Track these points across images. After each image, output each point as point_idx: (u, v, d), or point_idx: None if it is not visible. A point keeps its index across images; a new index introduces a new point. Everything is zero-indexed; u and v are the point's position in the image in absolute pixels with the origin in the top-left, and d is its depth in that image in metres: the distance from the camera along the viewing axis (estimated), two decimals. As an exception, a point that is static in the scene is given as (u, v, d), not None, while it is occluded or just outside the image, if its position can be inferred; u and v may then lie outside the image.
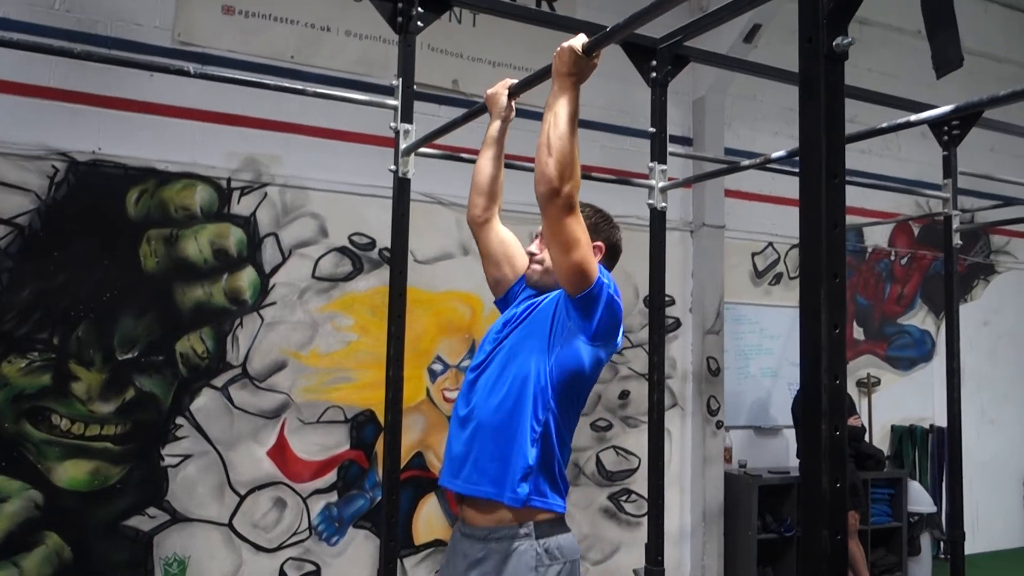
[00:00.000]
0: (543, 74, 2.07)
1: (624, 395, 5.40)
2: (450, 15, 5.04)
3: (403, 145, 2.86)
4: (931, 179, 5.50)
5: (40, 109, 4.00)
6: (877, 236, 6.71)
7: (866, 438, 6.02)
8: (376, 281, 4.67)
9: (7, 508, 3.84)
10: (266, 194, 4.46)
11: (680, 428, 5.60)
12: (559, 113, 1.83)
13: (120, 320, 4.11)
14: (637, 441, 5.32)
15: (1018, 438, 7.20)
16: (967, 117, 4.16)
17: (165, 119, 4.25)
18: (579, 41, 1.87)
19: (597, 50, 1.90)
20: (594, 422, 5.30)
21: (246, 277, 4.40)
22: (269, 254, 4.46)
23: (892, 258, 6.76)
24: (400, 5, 2.92)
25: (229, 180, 4.38)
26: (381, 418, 4.64)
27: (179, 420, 4.21)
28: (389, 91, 2.89)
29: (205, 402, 4.27)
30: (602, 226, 2.13)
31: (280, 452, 4.42)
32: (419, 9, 2.94)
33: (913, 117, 2.89)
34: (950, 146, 4.30)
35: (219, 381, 4.30)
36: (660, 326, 3.37)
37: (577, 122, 1.83)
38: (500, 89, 2.26)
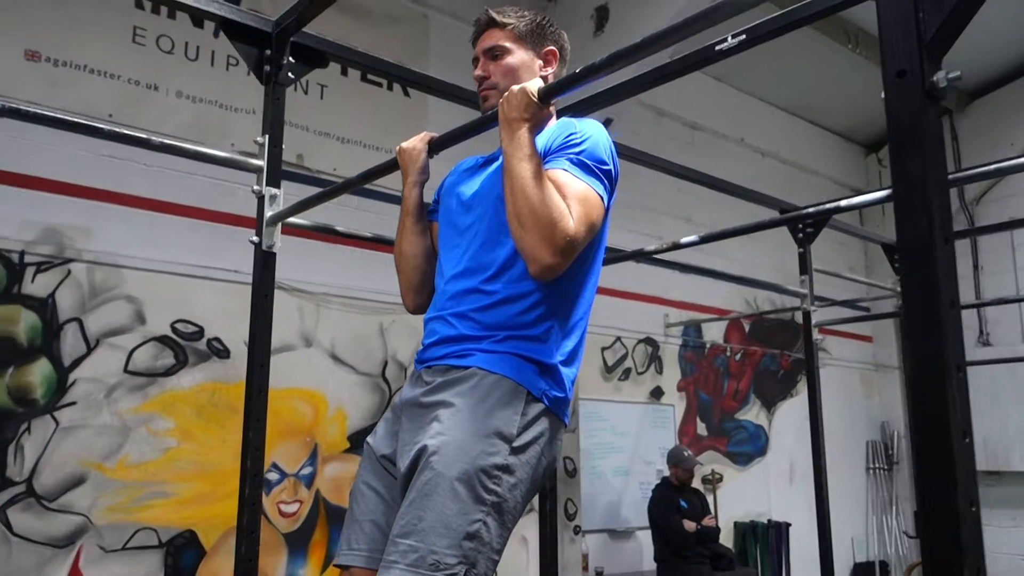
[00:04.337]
0: (485, 120, 1.72)
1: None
2: (296, 85, 4.61)
3: (269, 213, 2.39)
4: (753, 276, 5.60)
5: None
6: (713, 332, 6.82)
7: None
8: (203, 376, 4.01)
9: None
10: (69, 272, 3.73)
11: (536, 534, 5.20)
12: (518, 172, 1.49)
13: None
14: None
15: (843, 528, 7.43)
16: (820, 219, 4.29)
17: (-58, 178, 3.47)
18: (535, 85, 1.56)
19: (553, 98, 1.59)
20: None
21: (38, 371, 3.60)
22: (70, 344, 3.69)
23: (728, 354, 6.88)
24: (268, 53, 2.49)
25: (22, 254, 3.62)
26: (204, 540, 3.89)
27: (-66, 556, 3.28)
28: (228, 161, 2.43)
29: (-27, 530, 3.37)
30: (549, 30, 1.82)
31: (72, 590, 3.55)
32: (290, 59, 2.52)
33: (782, 216, 2.86)
34: (805, 243, 4.40)
35: (-6, 503, 3.43)
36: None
37: (541, 172, 1.49)
38: (419, 144, 1.87)
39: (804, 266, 4.37)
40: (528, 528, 5.16)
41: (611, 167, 1.61)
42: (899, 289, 4.90)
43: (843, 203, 3.11)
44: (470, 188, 1.73)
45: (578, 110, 1.87)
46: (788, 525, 6.57)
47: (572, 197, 1.51)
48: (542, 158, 1.57)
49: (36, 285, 3.64)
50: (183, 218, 4.03)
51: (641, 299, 6.23)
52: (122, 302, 3.86)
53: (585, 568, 5.32)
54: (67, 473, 3.61)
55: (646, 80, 1.70)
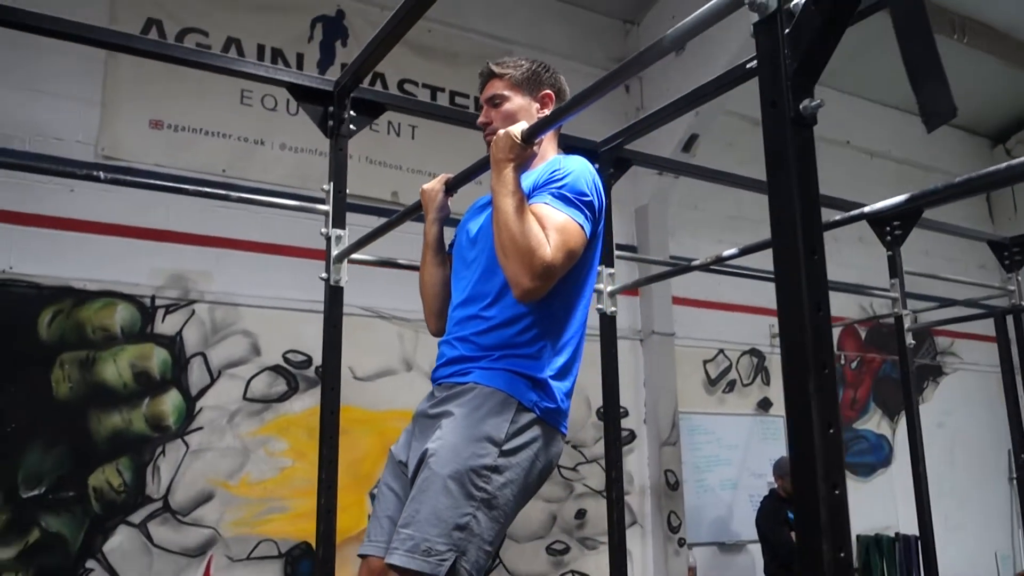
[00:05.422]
0: (482, 164, 1.94)
1: (580, 514, 5.09)
2: (388, 127, 4.99)
3: (335, 252, 2.68)
4: (871, 283, 5.51)
5: (-54, 227, 3.74)
6: (825, 340, 6.66)
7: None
8: (312, 401, 4.38)
9: None
10: (194, 311, 4.21)
11: (641, 548, 5.29)
12: (503, 207, 1.68)
13: (26, 453, 3.73)
14: (597, 565, 4.99)
15: (984, 544, 7.02)
16: (908, 216, 4.18)
17: (85, 235, 4.02)
18: (518, 128, 1.75)
19: (536, 138, 1.78)
20: (550, 545, 4.96)
21: (170, 401, 4.08)
22: (196, 375, 4.16)
23: (842, 362, 6.70)
24: (331, 109, 2.79)
25: (153, 298, 4.13)
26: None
27: (90, 563, 3.77)
28: (322, 200, 2.73)
29: (120, 541, 3.85)
30: (545, 75, 2.00)
31: (205, 595, 3.98)
32: (351, 113, 2.81)
33: (866, 209, 2.84)
34: (894, 245, 4.30)
35: (136, 517, 3.90)
36: (616, 439, 3.16)
37: (524, 207, 1.68)
38: (437, 185, 2.10)
39: (894, 269, 4.26)
40: (632, 540, 5.24)
41: (592, 198, 1.77)
42: (1011, 288, 4.70)
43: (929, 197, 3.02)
44: (476, 224, 1.93)
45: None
46: (918, 538, 6.28)
47: (551, 227, 1.69)
48: (530, 193, 1.76)
49: (166, 325, 4.14)
50: (290, 258, 4.43)
51: (745, 310, 6.19)
52: (240, 336, 4.31)
53: (693, 581, 5.34)
54: (197, 490, 4.06)
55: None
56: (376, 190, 4.76)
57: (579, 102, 1.72)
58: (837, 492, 1.05)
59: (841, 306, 6.65)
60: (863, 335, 6.89)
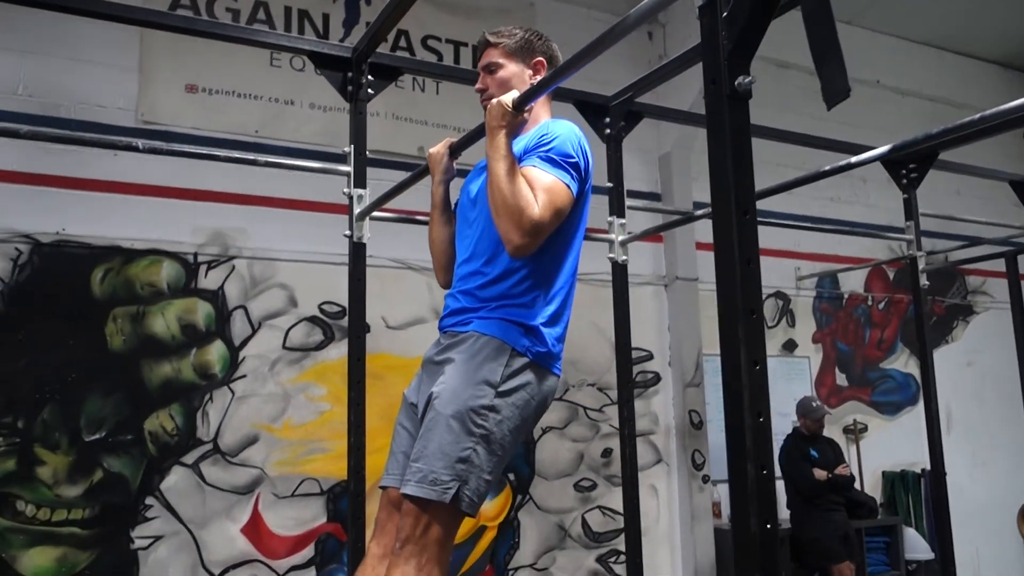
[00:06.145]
0: (481, 130, 2.09)
1: (607, 453, 5.32)
2: (412, 84, 5.13)
3: (356, 210, 2.87)
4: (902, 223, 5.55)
5: (3, 193, 4.01)
6: (853, 282, 6.73)
7: (856, 485, 5.92)
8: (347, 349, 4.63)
9: (-31, 602, 3.72)
10: (234, 267, 4.46)
11: (667, 484, 5.51)
12: (495, 170, 1.85)
13: (87, 400, 4.05)
14: (622, 500, 5.21)
15: (1013, 479, 7.11)
16: (924, 159, 4.23)
17: (130, 197, 4.27)
18: (509, 97, 1.91)
19: (526, 105, 1.93)
20: (578, 482, 5.21)
21: (215, 351, 4.36)
22: (238, 327, 4.43)
23: (869, 303, 6.76)
24: (350, 74, 2.96)
25: (196, 255, 4.38)
26: (357, 489, 4.54)
27: (149, 500, 4.12)
28: (321, 169, 2.93)
29: (175, 480, 4.18)
30: (537, 43, 2.16)
31: (254, 528, 4.31)
32: (369, 77, 2.97)
33: (853, 159, 2.93)
34: (909, 188, 4.35)
35: (189, 458, 4.22)
36: (629, 380, 3.36)
37: (515, 169, 1.84)
38: (442, 149, 2.27)
39: (909, 211, 4.32)
40: (657, 477, 5.47)
41: (578, 159, 1.93)
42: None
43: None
44: (475, 186, 2.10)
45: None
46: (944, 475, 6.40)
47: (539, 188, 1.85)
48: (521, 156, 1.93)
49: (208, 280, 4.40)
50: (321, 214, 4.63)
51: (770, 254, 6.27)
52: (277, 289, 4.56)
53: (717, 515, 5.56)
54: (243, 434, 4.36)
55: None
56: (402, 145, 4.93)
57: (564, 70, 1.87)
58: (761, 419, 1.23)
59: (869, 247, 6.69)
60: (892, 276, 6.92)
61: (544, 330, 1.93)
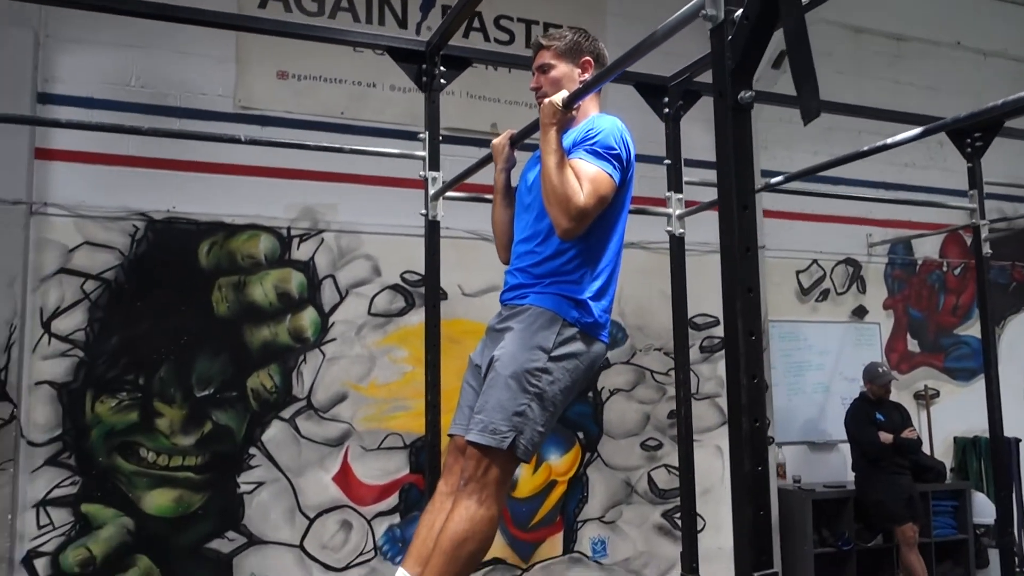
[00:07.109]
0: (538, 124, 2.36)
1: (672, 415, 5.55)
2: (486, 64, 5.38)
3: (431, 191, 3.17)
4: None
5: (122, 176, 4.48)
6: (928, 248, 6.71)
7: (924, 450, 6.00)
8: (427, 315, 4.99)
9: (103, 534, 4.26)
10: (323, 240, 4.85)
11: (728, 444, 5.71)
12: (547, 163, 2.12)
13: (197, 361, 4.53)
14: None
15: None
16: (989, 127, 4.26)
17: (231, 177, 4.69)
18: (559, 97, 2.16)
19: (574, 104, 2.19)
20: (644, 442, 5.48)
21: (308, 317, 4.78)
22: (328, 295, 4.84)
23: (944, 269, 6.74)
24: (424, 66, 3.24)
25: (289, 229, 4.79)
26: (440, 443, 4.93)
27: (252, 450, 4.59)
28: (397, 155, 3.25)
29: (275, 433, 4.64)
30: (585, 44, 2.39)
31: (344, 477, 4.75)
32: (441, 68, 3.25)
33: (913, 131, 3.06)
34: (974, 157, 4.37)
35: (287, 413, 4.68)
36: (684, 345, 3.59)
37: (564, 162, 2.11)
38: (504, 140, 2.55)
39: (973, 180, 4.36)
40: (722, 438, 5.68)
41: (620, 151, 2.17)
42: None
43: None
44: (532, 174, 2.37)
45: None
46: (1019, 441, 6.41)
47: (585, 178, 2.11)
48: (570, 149, 2.19)
49: (300, 251, 4.81)
50: (402, 189, 4.95)
51: (841, 220, 6.33)
52: (362, 260, 4.94)
53: (781, 475, 5.74)
54: (334, 392, 4.79)
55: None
56: (477, 122, 5.20)
57: (606, 75, 2.12)
58: (756, 381, 1.47)
59: (946, 213, 6.63)
60: (968, 241, 6.86)
61: (591, 303, 2.20)
